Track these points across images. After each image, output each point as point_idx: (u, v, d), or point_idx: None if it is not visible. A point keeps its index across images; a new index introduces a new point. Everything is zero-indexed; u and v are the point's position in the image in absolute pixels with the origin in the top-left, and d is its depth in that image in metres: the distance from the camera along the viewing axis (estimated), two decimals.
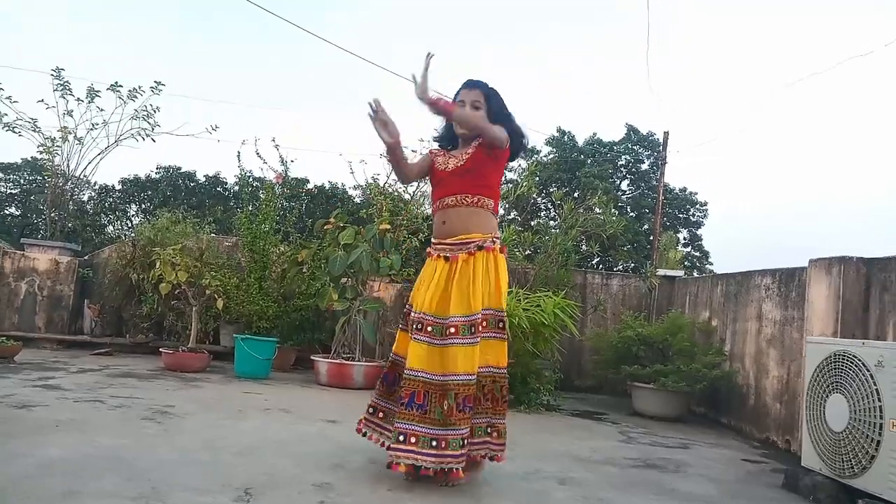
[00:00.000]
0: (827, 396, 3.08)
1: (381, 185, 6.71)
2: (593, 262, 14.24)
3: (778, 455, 4.26)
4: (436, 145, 3.05)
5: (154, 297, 6.33)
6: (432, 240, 2.84)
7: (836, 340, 3.38)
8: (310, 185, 10.79)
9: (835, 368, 3.05)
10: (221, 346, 6.63)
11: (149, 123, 7.27)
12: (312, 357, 5.82)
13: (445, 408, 2.53)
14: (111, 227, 11.25)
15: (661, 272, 7.10)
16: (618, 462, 3.55)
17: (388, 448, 2.60)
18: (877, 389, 2.76)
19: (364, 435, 2.87)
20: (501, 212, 11.86)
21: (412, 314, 2.75)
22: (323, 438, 3.44)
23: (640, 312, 6.56)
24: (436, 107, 2.63)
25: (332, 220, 6.02)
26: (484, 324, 2.63)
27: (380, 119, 2.63)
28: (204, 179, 11.64)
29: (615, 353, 5.78)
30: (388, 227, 5.93)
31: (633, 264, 16.54)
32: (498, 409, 2.71)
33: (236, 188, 11.12)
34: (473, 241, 2.68)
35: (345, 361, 5.61)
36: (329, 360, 5.61)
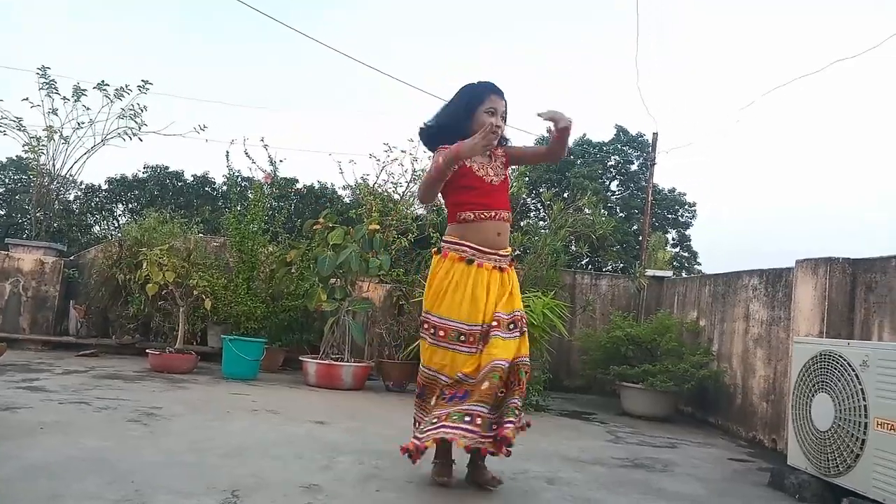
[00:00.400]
0: (813, 396, 3.10)
1: (371, 185, 6.69)
2: (582, 263, 14.29)
3: (764, 454, 4.28)
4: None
5: (141, 298, 6.27)
6: (478, 247, 2.71)
7: (822, 340, 3.41)
8: (299, 185, 10.75)
9: (821, 368, 3.07)
10: (209, 347, 6.59)
11: (136, 122, 7.21)
12: (301, 358, 5.80)
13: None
14: (97, 227, 11.16)
15: (649, 272, 7.13)
16: (606, 462, 3.56)
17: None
18: (862, 389, 2.78)
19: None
20: None
21: (472, 327, 2.66)
22: (311, 439, 3.42)
23: (629, 313, 6.58)
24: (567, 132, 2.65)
25: (321, 220, 5.99)
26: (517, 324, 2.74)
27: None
28: (192, 179, 11.56)
29: (604, 354, 5.80)
30: (378, 227, 5.91)
31: (622, 265, 16.60)
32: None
33: (225, 188, 11.06)
34: (509, 255, 2.83)
35: (333, 362, 5.59)
36: (318, 361, 5.58)
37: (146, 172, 11.44)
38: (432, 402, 2.68)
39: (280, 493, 2.42)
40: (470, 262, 2.69)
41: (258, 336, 5.95)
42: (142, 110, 7.25)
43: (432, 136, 2.84)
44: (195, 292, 5.79)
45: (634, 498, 2.84)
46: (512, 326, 2.69)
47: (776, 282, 4.71)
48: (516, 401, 2.63)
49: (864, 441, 2.74)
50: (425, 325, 2.75)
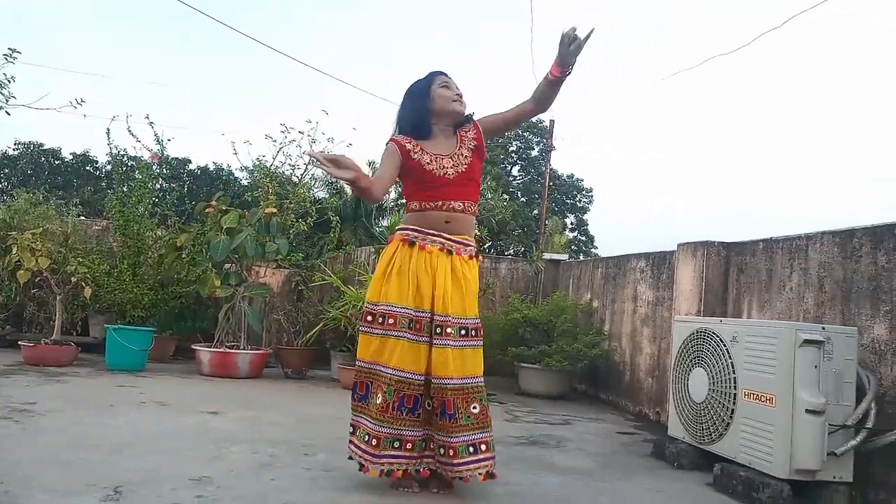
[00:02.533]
0: (690, 370, 3.33)
1: (268, 166, 6.47)
2: (485, 247, 14.57)
3: (650, 426, 4.56)
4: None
5: (11, 286, 5.78)
6: (424, 230, 2.56)
7: (699, 319, 3.66)
8: (192, 166, 10.25)
9: (697, 344, 3.30)
10: (91, 338, 6.19)
11: (2, 94, 6.57)
12: (193, 346, 5.57)
13: (477, 410, 2.47)
14: None
15: (546, 256, 7.37)
16: (503, 440, 3.65)
17: (445, 464, 2.43)
18: (732, 363, 3.02)
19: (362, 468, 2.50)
20: (394, 195, 11.82)
21: (419, 313, 2.49)
22: (203, 431, 3.29)
23: (527, 295, 6.79)
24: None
25: (213, 202, 5.75)
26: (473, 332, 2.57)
27: (327, 162, 2.36)
28: (71, 157, 10.76)
29: (502, 336, 5.94)
30: (275, 210, 5.74)
31: (523, 248, 17.08)
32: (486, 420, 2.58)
33: (108, 167, 10.36)
34: (471, 246, 2.63)
35: (229, 350, 5.40)
36: (212, 349, 5.38)
37: (17, 149, 10.54)
38: (379, 401, 2.44)
39: (168, 486, 2.31)
40: (412, 244, 2.55)
41: (146, 325, 5.65)
42: (9, 81, 6.62)
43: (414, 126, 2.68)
44: (73, 279, 5.39)
45: (528, 474, 2.94)
46: (463, 332, 2.50)
47: (661, 264, 5.00)
48: (479, 435, 2.48)
49: (733, 411, 2.98)
50: (367, 317, 2.54)
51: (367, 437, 2.46)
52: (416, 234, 2.57)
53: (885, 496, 2.78)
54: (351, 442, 2.54)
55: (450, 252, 2.56)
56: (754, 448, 2.82)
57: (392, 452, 2.43)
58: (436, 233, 2.56)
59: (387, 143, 2.65)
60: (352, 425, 2.55)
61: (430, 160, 2.58)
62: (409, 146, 2.59)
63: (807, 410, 2.66)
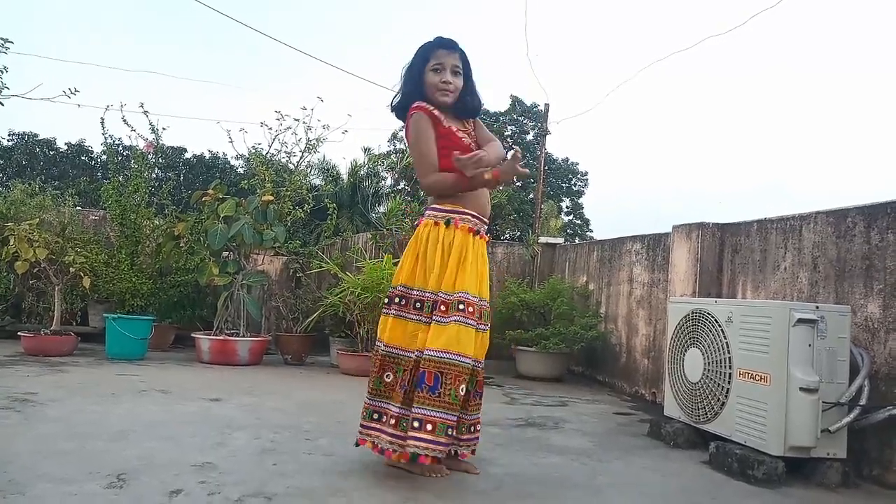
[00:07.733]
0: (686, 351, 3.36)
1: (264, 154, 6.46)
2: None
3: (646, 407, 4.60)
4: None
5: (9, 277, 5.79)
6: (463, 210, 2.48)
7: (693, 300, 3.68)
8: (187, 155, 10.21)
9: (692, 325, 3.33)
10: (91, 328, 6.22)
11: None
12: (193, 334, 5.59)
13: (462, 392, 2.43)
14: None
15: (542, 240, 7.38)
16: (501, 423, 3.70)
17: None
18: (727, 343, 3.05)
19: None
20: (390, 182, 11.81)
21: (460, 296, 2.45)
22: (204, 417, 3.32)
23: (524, 279, 6.81)
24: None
25: (210, 191, 5.74)
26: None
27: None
28: (66, 147, 10.71)
29: (500, 319, 5.97)
30: (272, 198, 5.75)
31: (519, 233, 17.08)
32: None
33: (104, 157, 10.32)
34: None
35: (228, 337, 5.43)
36: (211, 337, 5.41)
37: (11, 140, 10.49)
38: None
39: (170, 473, 2.34)
40: (448, 223, 2.48)
41: (145, 314, 5.67)
42: (2, 71, 6.58)
43: (403, 108, 2.59)
44: (72, 269, 5.40)
45: (526, 454, 2.98)
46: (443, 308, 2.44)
47: (656, 246, 5.03)
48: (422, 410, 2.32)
49: (728, 390, 3.01)
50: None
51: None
52: (457, 213, 2.51)
53: (878, 471, 2.82)
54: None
55: (480, 235, 2.56)
56: (749, 426, 2.86)
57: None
58: (474, 214, 2.54)
59: (410, 114, 2.46)
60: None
61: (458, 128, 2.52)
62: (435, 111, 2.46)
63: (801, 388, 2.69)
